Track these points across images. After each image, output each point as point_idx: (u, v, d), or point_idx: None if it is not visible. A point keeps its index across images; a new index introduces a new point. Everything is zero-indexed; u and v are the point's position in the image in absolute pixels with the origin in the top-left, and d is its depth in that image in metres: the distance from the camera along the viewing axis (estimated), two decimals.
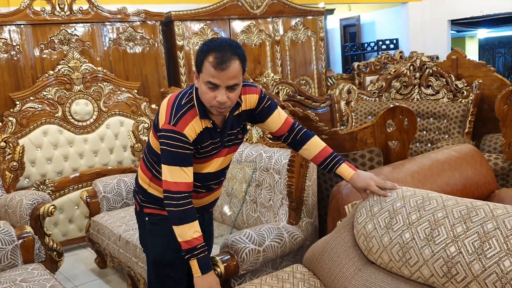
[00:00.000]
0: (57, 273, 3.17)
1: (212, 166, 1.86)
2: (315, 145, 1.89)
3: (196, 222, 1.70)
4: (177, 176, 1.68)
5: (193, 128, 1.69)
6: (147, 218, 1.96)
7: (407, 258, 1.53)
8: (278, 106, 1.91)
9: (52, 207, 3.07)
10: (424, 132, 4.11)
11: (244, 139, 3.08)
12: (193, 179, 1.72)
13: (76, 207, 4.00)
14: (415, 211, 1.57)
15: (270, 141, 2.85)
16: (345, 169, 1.82)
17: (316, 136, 1.91)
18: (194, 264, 1.69)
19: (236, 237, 2.29)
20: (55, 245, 3.13)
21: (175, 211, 1.69)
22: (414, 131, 2.77)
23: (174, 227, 1.70)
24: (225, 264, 2.16)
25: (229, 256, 2.21)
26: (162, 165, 1.71)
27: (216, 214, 3.15)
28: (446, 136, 3.92)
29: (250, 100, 1.83)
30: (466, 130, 3.77)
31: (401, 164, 2.42)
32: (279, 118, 1.89)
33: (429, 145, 4.03)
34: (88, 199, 3.48)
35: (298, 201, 2.53)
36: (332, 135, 2.70)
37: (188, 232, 1.67)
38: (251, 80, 3.28)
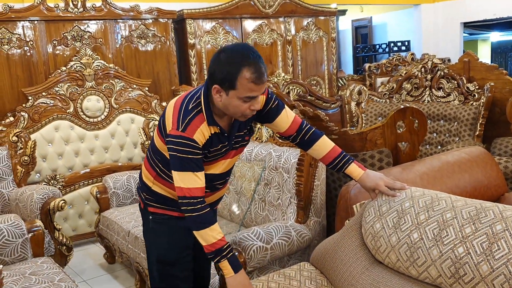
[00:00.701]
0: (66, 268, 3.20)
1: (218, 168, 1.84)
2: (324, 145, 1.87)
3: (217, 223, 1.69)
4: (190, 182, 1.66)
5: (202, 133, 1.68)
6: (150, 217, 1.94)
7: (415, 258, 1.53)
8: (286, 106, 1.90)
9: (62, 201, 3.10)
10: (434, 134, 4.09)
11: (254, 138, 3.09)
12: (205, 183, 1.71)
13: (86, 203, 4.03)
14: (424, 211, 1.57)
15: (280, 140, 2.86)
16: (354, 169, 1.82)
17: (324, 136, 1.90)
18: (225, 265, 1.67)
19: (244, 234, 2.30)
20: (64, 240, 3.16)
21: (194, 216, 1.67)
22: (424, 133, 2.76)
23: (196, 233, 1.68)
24: None
25: (236, 253, 2.21)
26: (173, 171, 1.69)
27: (225, 212, 3.17)
28: (457, 139, 3.89)
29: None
30: (477, 133, 3.75)
31: (411, 165, 2.42)
32: (287, 118, 1.87)
33: (439, 147, 4.01)
34: (98, 195, 3.51)
35: (307, 200, 2.54)
36: (342, 135, 2.70)
37: (211, 235, 1.66)
38: None
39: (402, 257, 1.58)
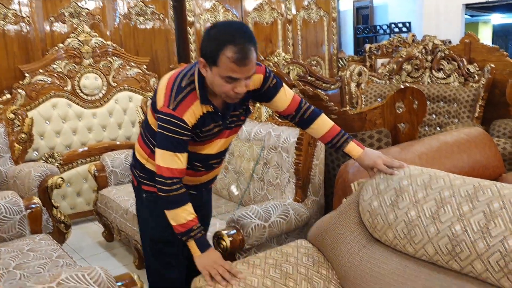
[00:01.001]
0: (64, 245, 3.22)
1: (212, 148, 1.82)
2: (323, 124, 1.85)
3: (189, 204, 1.68)
4: (170, 162, 1.65)
5: (193, 113, 1.63)
6: (144, 195, 1.93)
7: (412, 236, 1.54)
8: (284, 84, 1.85)
9: (60, 179, 3.10)
10: (434, 116, 4.08)
11: (253, 117, 3.08)
12: (186, 164, 1.69)
13: (84, 181, 4.03)
14: (422, 189, 1.57)
15: (279, 120, 2.84)
16: (353, 148, 1.80)
17: (323, 114, 1.87)
18: (192, 244, 1.69)
19: (242, 212, 2.30)
20: (62, 217, 3.17)
21: (166, 196, 1.67)
22: (424, 113, 2.75)
23: (167, 211, 1.69)
24: (230, 238, 2.18)
25: (235, 231, 2.23)
26: (156, 148, 1.68)
27: (224, 192, 3.17)
28: (456, 120, 3.89)
29: (254, 80, 1.74)
30: (476, 114, 3.73)
31: (409, 145, 2.41)
32: (285, 96, 1.83)
33: (438, 129, 4.00)
34: (96, 173, 3.51)
35: (305, 179, 2.54)
36: (342, 115, 2.68)
37: (181, 215, 1.66)
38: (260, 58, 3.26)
39: (399, 234, 1.58)
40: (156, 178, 1.69)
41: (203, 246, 1.69)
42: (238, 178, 3.05)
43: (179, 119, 1.61)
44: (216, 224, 2.59)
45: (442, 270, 1.49)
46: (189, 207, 1.68)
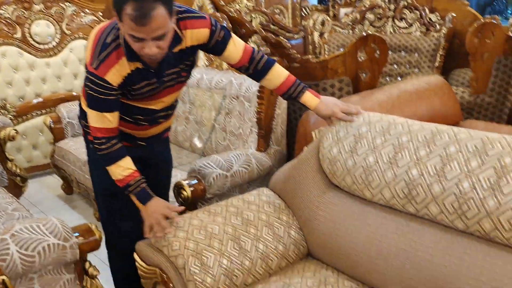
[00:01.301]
0: (21, 199, 3.13)
1: (156, 104, 1.73)
2: (278, 74, 1.74)
3: (124, 160, 1.63)
4: (99, 121, 1.59)
5: (116, 72, 1.53)
6: (91, 146, 1.85)
7: (370, 181, 1.56)
8: (233, 35, 1.72)
9: (14, 131, 2.98)
10: (395, 66, 4.10)
11: (214, 65, 3.00)
12: (117, 123, 1.63)
13: (40, 133, 3.89)
14: (380, 135, 1.57)
15: None
16: (309, 98, 1.72)
17: (277, 64, 1.76)
18: (134, 199, 1.66)
19: (203, 162, 2.28)
20: (18, 170, 3.06)
21: (101, 155, 1.64)
22: (385, 62, 2.74)
23: (107, 168, 1.66)
24: (191, 188, 2.17)
25: (196, 181, 2.21)
26: (87, 107, 1.62)
27: (186, 144, 3.13)
28: (417, 70, 3.92)
29: (198, 35, 1.62)
30: (437, 64, 3.77)
31: (370, 94, 2.42)
32: (235, 48, 1.70)
33: (399, 79, 4.03)
34: (52, 125, 3.39)
35: (267, 128, 2.52)
36: (304, 63, 2.65)
37: (117, 171, 1.63)
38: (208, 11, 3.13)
39: (357, 180, 1.60)
40: (90, 138, 1.65)
41: (143, 199, 1.65)
42: (199, 129, 3.01)
43: (101, 78, 1.52)
44: (178, 175, 2.56)
45: (399, 213, 1.53)
46: (124, 163, 1.63)
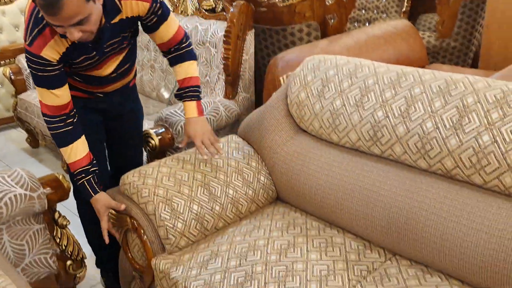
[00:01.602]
0: None
1: (99, 73, 1.66)
2: (186, 70, 1.71)
3: (72, 146, 1.59)
4: (47, 98, 1.53)
5: (52, 49, 1.44)
6: None
7: (337, 124, 1.57)
8: (171, 17, 1.65)
9: None
10: (363, 11, 4.07)
11: (179, 12, 2.91)
12: (67, 98, 1.56)
13: (1, 86, 3.75)
14: (347, 78, 1.58)
15: (206, 13, 2.71)
16: (190, 107, 1.70)
17: (193, 62, 1.73)
18: (83, 186, 1.64)
19: (170, 110, 2.25)
20: None
21: (51, 134, 1.59)
22: (352, 6, 2.73)
23: (59, 149, 1.63)
24: (159, 137, 2.15)
25: (163, 129, 2.19)
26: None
27: (153, 94, 3.07)
28: (384, 15, 3.90)
29: (137, 7, 1.53)
30: (404, 9, 3.75)
31: (338, 38, 2.41)
32: (166, 32, 1.65)
33: (367, 24, 4.01)
34: (13, 76, 3.27)
35: (235, 75, 2.49)
36: (271, 7, 2.60)
37: (67, 154, 1.60)
38: None
39: (324, 124, 1.61)
40: (43, 117, 1.60)
41: (88, 193, 1.64)
42: (165, 77, 2.95)
43: (36, 56, 1.44)
44: (145, 125, 2.52)
45: (364, 155, 1.56)
46: (70, 148, 1.59)
